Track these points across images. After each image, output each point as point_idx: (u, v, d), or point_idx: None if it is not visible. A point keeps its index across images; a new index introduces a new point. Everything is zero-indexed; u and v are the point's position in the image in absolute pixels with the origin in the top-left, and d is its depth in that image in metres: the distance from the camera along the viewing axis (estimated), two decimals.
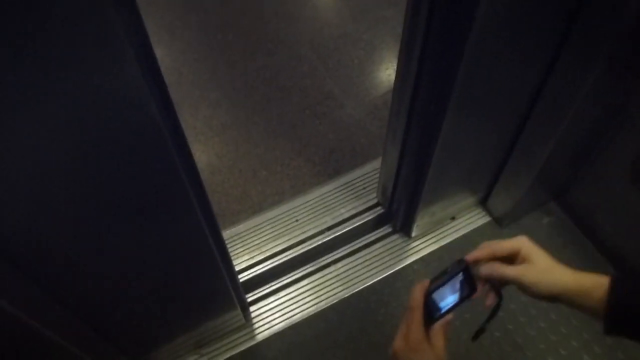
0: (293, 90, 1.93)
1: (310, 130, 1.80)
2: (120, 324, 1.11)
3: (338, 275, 1.48)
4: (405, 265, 1.49)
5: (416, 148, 1.26)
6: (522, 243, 0.79)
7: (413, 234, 1.52)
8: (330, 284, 1.47)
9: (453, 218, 1.57)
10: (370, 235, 1.56)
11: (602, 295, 0.73)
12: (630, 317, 0.72)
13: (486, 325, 0.79)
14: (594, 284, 0.74)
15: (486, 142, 1.30)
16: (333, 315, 1.41)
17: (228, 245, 1.51)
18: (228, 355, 1.36)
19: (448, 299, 0.75)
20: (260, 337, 1.39)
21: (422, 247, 1.53)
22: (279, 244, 1.50)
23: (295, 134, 1.80)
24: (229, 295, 1.21)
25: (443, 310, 0.74)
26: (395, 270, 1.49)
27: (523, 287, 0.77)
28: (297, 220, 1.55)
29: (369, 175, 1.65)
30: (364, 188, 1.62)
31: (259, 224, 1.55)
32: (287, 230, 1.53)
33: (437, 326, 0.74)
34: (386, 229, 1.57)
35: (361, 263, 1.50)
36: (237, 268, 1.47)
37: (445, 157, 1.23)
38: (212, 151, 1.77)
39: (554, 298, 0.76)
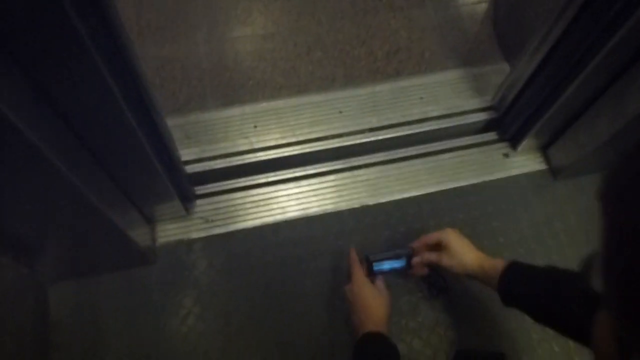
0: None
1: (381, 22, 1.63)
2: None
3: (367, 180, 1.38)
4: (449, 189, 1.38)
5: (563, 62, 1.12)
6: (444, 235, 1.09)
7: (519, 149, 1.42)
8: (356, 187, 1.37)
9: (506, 155, 1.43)
10: (423, 147, 1.44)
11: (497, 277, 0.95)
12: (515, 297, 0.93)
13: (438, 294, 1.24)
14: (492, 267, 0.98)
15: (589, 79, 1.13)
16: (350, 218, 1.32)
17: (261, 119, 1.41)
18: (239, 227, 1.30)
19: (384, 266, 1.17)
20: (269, 221, 1.32)
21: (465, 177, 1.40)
22: (316, 131, 1.39)
23: (364, 21, 1.62)
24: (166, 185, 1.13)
25: (377, 269, 1.17)
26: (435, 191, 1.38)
27: (443, 268, 1.09)
28: (340, 112, 1.43)
29: (428, 87, 1.49)
30: (421, 98, 1.47)
31: (299, 105, 1.43)
32: (327, 119, 1.41)
33: (378, 278, 1.14)
34: (438, 146, 1.44)
35: (400, 173, 1.39)
36: (264, 145, 1.37)
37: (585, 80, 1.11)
38: (270, 16, 1.61)
39: (467, 276, 1.05)
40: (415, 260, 1.15)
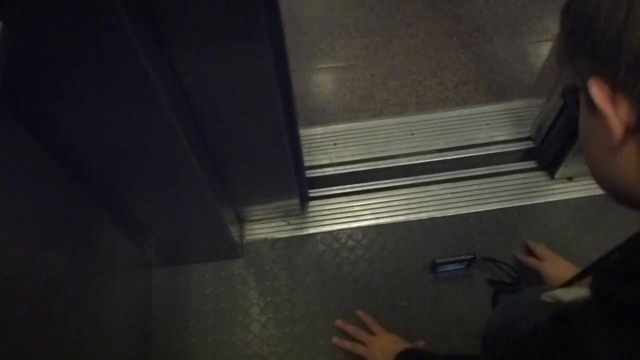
0: (447, 14, 1.89)
1: (451, 56, 1.78)
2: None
3: (435, 195, 1.49)
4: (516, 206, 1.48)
5: None
6: (539, 266, 1.27)
7: (556, 176, 1.50)
8: (425, 201, 1.49)
9: (570, 178, 1.51)
10: (490, 168, 1.55)
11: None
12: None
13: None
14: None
15: None
16: (419, 229, 1.44)
17: (340, 138, 1.57)
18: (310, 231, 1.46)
19: (447, 268, 1.34)
20: (344, 227, 1.45)
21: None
22: (389, 150, 1.53)
23: (435, 55, 1.78)
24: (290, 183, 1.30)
25: (440, 270, 1.34)
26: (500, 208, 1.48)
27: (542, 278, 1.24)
28: (412, 134, 1.57)
29: (494, 114, 1.61)
30: (488, 124, 1.59)
31: (375, 127, 1.58)
32: (399, 139, 1.56)
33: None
34: (504, 168, 1.55)
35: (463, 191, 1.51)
36: (342, 160, 1.52)
37: None
38: (351, 50, 1.80)
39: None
40: (521, 258, 1.34)
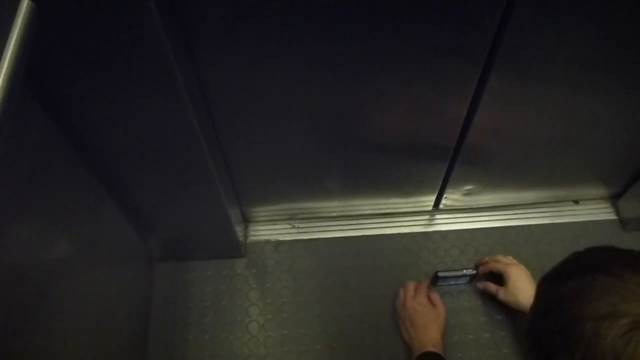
0: None
1: None
2: None
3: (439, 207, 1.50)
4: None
5: None
6: (508, 270, 1.21)
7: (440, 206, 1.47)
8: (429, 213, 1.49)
9: (576, 202, 1.51)
10: None
11: None
12: None
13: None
14: None
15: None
16: (423, 240, 1.44)
17: None
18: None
19: (448, 281, 1.32)
20: (344, 235, 1.46)
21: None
22: None
23: None
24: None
25: (441, 284, 1.32)
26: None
27: (499, 302, 1.24)
28: None
29: None
30: None
31: None
32: None
33: (435, 294, 1.26)
34: None
35: None
36: None
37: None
38: None
39: (519, 314, 1.16)
40: (478, 286, 1.32)
